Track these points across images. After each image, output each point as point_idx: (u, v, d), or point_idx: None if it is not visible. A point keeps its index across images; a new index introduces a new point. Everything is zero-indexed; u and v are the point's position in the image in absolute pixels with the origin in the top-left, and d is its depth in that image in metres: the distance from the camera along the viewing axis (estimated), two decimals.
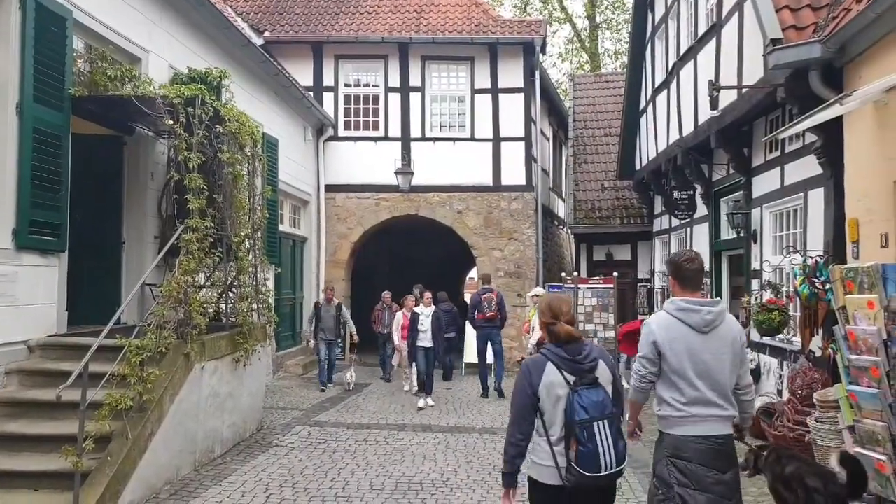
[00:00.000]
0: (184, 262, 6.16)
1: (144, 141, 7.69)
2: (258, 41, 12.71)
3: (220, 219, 7.07)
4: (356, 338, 11.65)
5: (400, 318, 11.14)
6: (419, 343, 9.95)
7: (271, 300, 8.53)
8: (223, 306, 7.54)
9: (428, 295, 10.48)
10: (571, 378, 3.12)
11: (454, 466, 6.54)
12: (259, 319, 7.82)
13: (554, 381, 3.13)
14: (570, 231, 17.19)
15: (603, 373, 3.21)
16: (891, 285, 4.79)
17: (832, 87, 6.01)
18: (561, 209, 19.30)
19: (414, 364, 10.40)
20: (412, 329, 10.09)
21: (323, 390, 10.60)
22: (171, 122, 6.48)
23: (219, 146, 7.07)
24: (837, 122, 6.13)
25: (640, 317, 13.89)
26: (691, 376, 3.47)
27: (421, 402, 9.60)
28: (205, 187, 6.57)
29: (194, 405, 6.25)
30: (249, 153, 7.85)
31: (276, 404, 9.50)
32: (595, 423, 3.05)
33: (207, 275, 7.34)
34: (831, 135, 6.32)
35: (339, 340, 11.57)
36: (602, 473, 3.06)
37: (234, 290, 7.57)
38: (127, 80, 6.97)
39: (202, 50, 8.93)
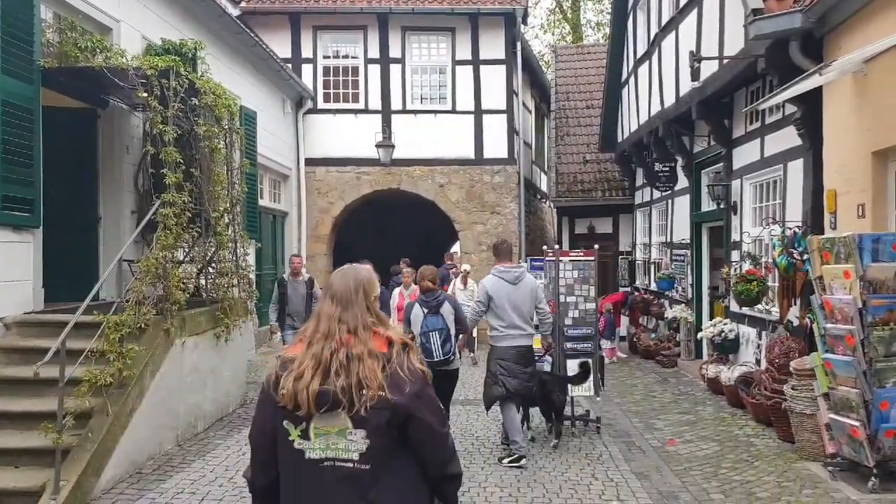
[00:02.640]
0: (161, 238, 6.09)
1: (119, 114, 7.52)
2: (234, 11, 12.38)
3: (197, 193, 6.98)
4: None
5: (396, 296, 9.81)
6: None
7: (252, 275, 8.46)
8: (203, 282, 7.47)
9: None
10: (425, 310, 5.76)
11: None
12: (240, 295, 7.76)
13: (417, 312, 5.82)
14: (552, 204, 17.21)
15: (446, 308, 5.82)
16: (866, 255, 4.87)
17: (812, 57, 6.02)
18: (543, 182, 19.29)
19: None
20: None
21: None
22: (144, 94, 6.34)
23: (195, 119, 6.96)
24: (817, 93, 6.16)
25: (621, 289, 14.02)
26: (508, 310, 5.87)
27: None
28: (181, 161, 6.48)
29: (176, 381, 6.22)
30: (227, 126, 7.73)
31: (260, 379, 9.47)
32: (431, 333, 5.61)
33: (186, 250, 7.27)
34: (811, 106, 6.35)
35: None
36: (434, 360, 5.46)
37: (213, 265, 7.49)
38: (98, 51, 6.77)
39: (176, 20, 8.70)
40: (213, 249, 7.44)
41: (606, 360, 11.05)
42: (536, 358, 6.60)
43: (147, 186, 7.22)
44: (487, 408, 6.22)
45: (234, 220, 7.89)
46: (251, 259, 9.02)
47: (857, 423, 4.84)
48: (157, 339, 5.87)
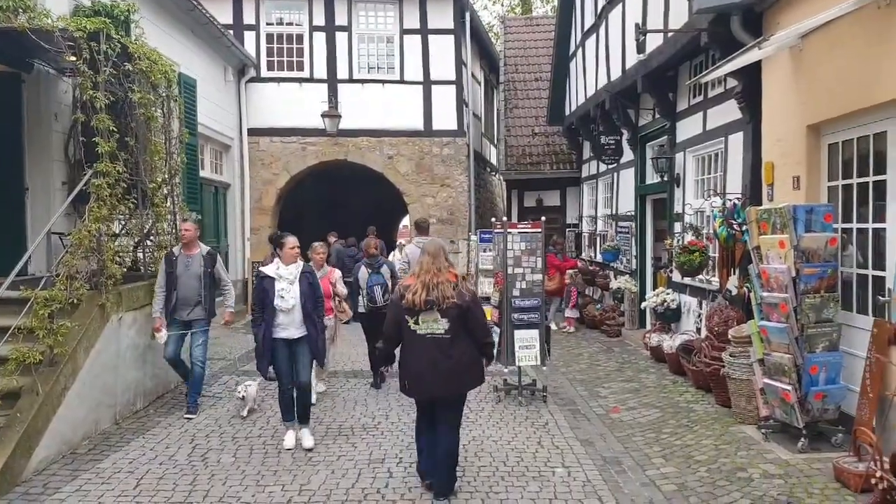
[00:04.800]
0: (94, 209, 5.83)
1: (46, 79, 7.11)
2: None
3: (133, 163, 6.68)
4: (231, 314, 6.97)
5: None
6: (277, 333, 5.45)
7: None
8: (141, 255, 7.21)
9: (292, 241, 5.64)
10: (370, 270, 7.47)
11: (385, 411, 6.58)
12: None
13: (364, 271, 7.51)
14: (501, 177, 17.24)
15: (384, 269, 7.54)
16: (800, 225, 5.03)
17: (752, 32, 6.12)
18: (493, 155, 19.29)
19: (258, 375, 6.06)
20: (261, 306, 5.50)
21: (189, 418, 6.27)
22: (73, 58, 6.02)
23: (129, 86, 6.65)
24: (757, 67, 6.28)
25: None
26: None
27: (289, 440, 5.51)
28: (115, 129, 6.20)
29: (112, 357, 6.01)
30: (164, 94, 7.45)
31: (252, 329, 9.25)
32: (374, 287, 7.36)
33: (123, 222, 6.99)
34: (751, 80, 6.48)
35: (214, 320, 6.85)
36: (376, 305, 7.26)
37: (151, 238, 7.24)
38: (21, 10, 6.35)
39: None
40: (151, 222, 7.18)
41: (571, 329, 11.36)
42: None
43: (78, 156, 6.85)
44: None
45: (172, 191, 7.63)
46: None
47: (788, 387, 5.05)
48: (92, 314, 5.64)
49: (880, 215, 4.92)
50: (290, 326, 5.49)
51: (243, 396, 6.42)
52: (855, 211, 5.24)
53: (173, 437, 5.75)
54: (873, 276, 5.03)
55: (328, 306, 6.80)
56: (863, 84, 4.80)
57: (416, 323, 4.32)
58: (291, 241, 5.69)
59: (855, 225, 5.25)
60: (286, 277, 5.51)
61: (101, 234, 5.88)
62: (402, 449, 5.43)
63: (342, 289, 7.47)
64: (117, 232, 6.78)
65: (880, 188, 4.91)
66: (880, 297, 4.80)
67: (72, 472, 4.94)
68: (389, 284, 7.32)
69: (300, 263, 5.70)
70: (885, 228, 4.86)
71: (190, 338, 6.54)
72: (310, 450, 5.42)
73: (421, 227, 8.32)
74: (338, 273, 7.56)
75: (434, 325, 4.30)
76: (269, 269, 5.58)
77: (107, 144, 6.00)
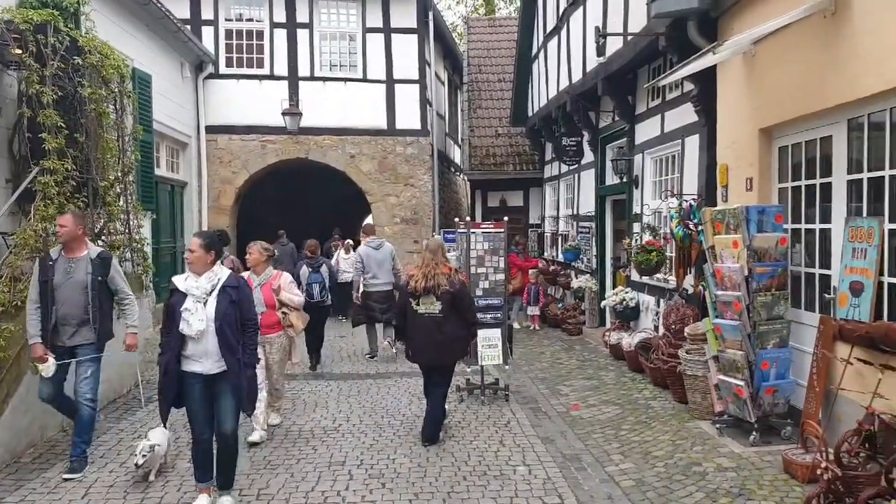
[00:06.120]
0: (41, 208, 5.65)
1: None
2: None
3: (83, 160, 6.50)
4: (133, 335, 5.46)
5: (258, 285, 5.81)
6: (188, 365, 4.15)
7: (148, 249, 8.01)
8: None
9: (196, 243, 4.24)
10: (309, 270, 8.46)
11: (346, 413, 6.52)
12: (134, 269, 7.33)
13: (305, 270, 8.47)
14: (465, 177, 17.26)
15: (323, 269, 8.56)
16: (753, 226, 5.15)
17: (708, 37, 6.23)
18: (457, 155, 19.30)
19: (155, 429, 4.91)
20: (167, 329, 4.23)
21: (68, 478, 4.76)
22: (18, 51, 5.80)
23: (79, 80, 6.45)
24: (712, 72, 6.40)
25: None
26: (373, 267, 8.95)
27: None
28: (63, 125, 6.01)
29: None
30: (116, 89, 7.26)
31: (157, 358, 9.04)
32: (313, 284, 8.33)
33: None
34: (706, 84, 6.60)
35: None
36: (314, 300, 8.17)
37: (103, 238, 7.02)
38: None
39: None
40: (103, 221, 6.97)
41: (535, 327, 11.46)
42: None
43: (24, 152, 6.62)
44: (354, 325, 9.42)
45: (126, 189, 7.43)
46: (146, 231, 8.54)
47: (741, 383, 5.16)
48: None
49: (827, 216, 5.06)
50: (203, 358, 4.10)
51: (140, 463, 4.62)
52: (803, 212, 5.39)
53: (125, 443, 5.59)
54: (820, 274, 5.17)
55: (273, 320, 5.74)
56: (810, 90, 4.93)
57: (418, 304, 5.52)
58: (193, 242, 4.24)
59: (803, 225, 5.39)
60: (193, 293, 4.11)
61: (48, 234, 5.69)
62: (363, 451, 5.39)
63: (288, 295, 5.95)
64: None
65: (826, 190, 5.06)
66: (826, 295, 4.94)
67: (15, 481, 4.76)
68: (327, 283, 8.51)
69: (218, 273, 4.23)
70: (830, 229, 5.00)
71: (75, 368, 5.00)
72: None
73: (368, 231, 9.66)
74: (286, 277, 6.05)
75: (432, 306, 5.48)
76: (178, 281, 4.20)
77: (54, 141, 5.82)
